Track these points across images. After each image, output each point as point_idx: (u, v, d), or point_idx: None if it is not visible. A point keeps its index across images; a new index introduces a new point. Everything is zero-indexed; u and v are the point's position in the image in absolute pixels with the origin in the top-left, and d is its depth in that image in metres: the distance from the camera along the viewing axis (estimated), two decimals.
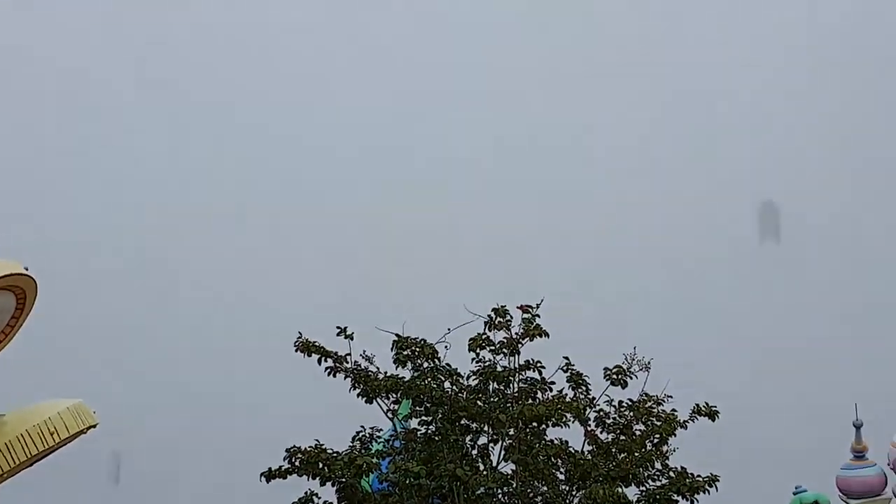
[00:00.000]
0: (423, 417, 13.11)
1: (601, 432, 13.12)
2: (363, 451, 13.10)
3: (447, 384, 13.05)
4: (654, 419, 13.03)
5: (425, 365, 13.06)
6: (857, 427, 18.97)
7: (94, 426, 9.77)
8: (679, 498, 12.84)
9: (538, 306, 13.15)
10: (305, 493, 12.85)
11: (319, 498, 12.89)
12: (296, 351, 13.17)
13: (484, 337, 13.07)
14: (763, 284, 24.99)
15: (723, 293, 24.70)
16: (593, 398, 13.16)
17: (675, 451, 13.11)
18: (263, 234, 24.50)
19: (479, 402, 12.96)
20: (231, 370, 23.16)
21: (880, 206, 24.97)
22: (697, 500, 12.82)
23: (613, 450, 12.93)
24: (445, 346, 13.17)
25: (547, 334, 13.01)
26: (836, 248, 24.87)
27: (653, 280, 24.65)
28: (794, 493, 18.44)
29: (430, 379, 12.99)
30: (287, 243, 24.30)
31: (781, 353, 23.82)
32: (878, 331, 23.76)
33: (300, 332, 13.23)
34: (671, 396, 13.25)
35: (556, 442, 12.89)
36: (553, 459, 12.80)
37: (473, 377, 13.16)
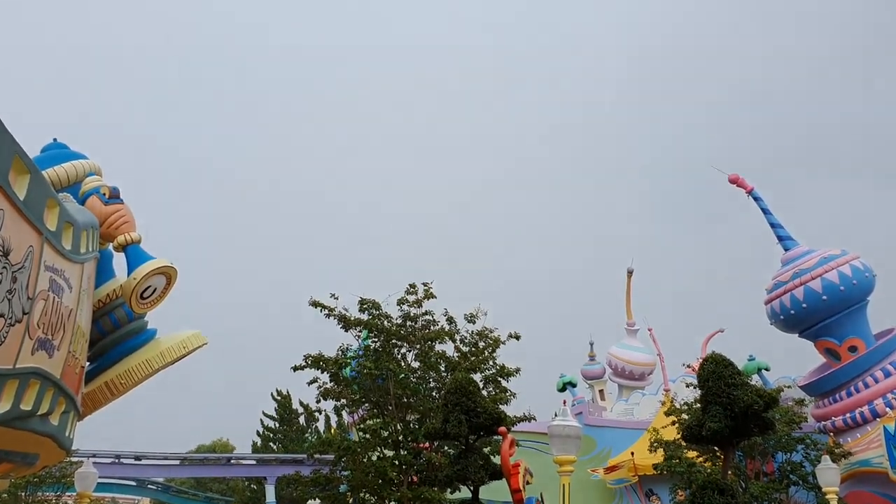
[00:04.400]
0: (374, 339, 25.62)
1: (463, 346, 25.95)
2: (343, 355, 25.63)
3: (385, 322, 25.58)
4: (488, 339, 25.87)
5: (375, 312, 25.54)
6: None
7: (206, 344, 17.04)
8: (501, 379, 25.71)
9: (432, 283, 25.71)
10: (314, 378, 25.34)
11: (320, 379, 25.41)
12: (308, 305, 25.39)
13: (403, 298, 25.61)
14: None
15: None
16: (458, 329, 25.94)
17: (498, 356, 25.99)
18: None
19: (401, 331, 25.57)
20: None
21: None
22: (510, 380, 25.75)
23: (469, 355, 25.75)
24: (385, 303, 25.71)
25: (435, 296, 25.62)
26: None
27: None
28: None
29: (377, 319, 25.48)
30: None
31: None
32: None
33: (311, 296, 25.48)
34: (497, 328, 26.12)
35: (440, 351, 25.69)
36: (438, 360, 25.60)
37: (399, 318, 25.73)
